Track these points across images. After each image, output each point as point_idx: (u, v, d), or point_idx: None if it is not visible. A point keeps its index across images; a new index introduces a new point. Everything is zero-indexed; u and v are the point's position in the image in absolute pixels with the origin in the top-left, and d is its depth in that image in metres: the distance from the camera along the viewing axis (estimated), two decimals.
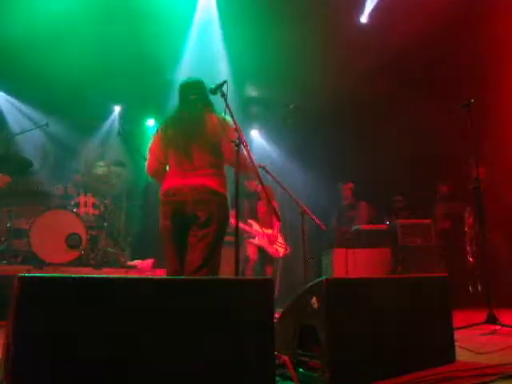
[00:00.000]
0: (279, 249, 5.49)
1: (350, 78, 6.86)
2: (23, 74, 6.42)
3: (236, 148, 2.90)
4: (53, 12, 5.51)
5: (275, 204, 3.34)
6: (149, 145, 3.15)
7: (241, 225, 5.05)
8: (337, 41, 6.29)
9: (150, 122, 8.05)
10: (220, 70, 6.08)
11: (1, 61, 6.11)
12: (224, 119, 3.01)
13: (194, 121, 3.02)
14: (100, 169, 6.15)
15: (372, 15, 6.41)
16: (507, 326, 3.58)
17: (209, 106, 3.10)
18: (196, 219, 2.87)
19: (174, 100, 6.51)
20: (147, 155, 3.16)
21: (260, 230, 5.40)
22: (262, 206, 5.59)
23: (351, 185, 6.83)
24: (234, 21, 5.85)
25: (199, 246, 2.87)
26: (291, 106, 8.09)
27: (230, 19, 5.94)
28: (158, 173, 3.12)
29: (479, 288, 5.90)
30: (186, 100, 3.12)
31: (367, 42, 6.39)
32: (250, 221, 5.40)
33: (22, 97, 7.20)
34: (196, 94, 3.10)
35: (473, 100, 4.11)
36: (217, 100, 3.06)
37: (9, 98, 7.34)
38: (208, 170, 2.94)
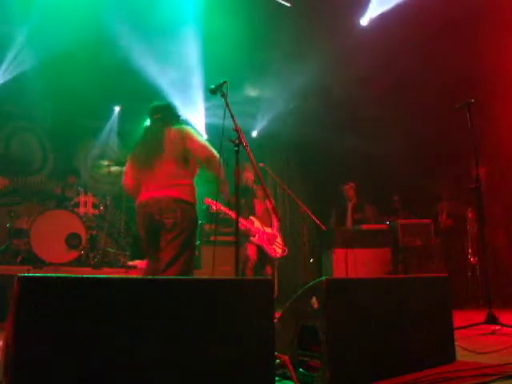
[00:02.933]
0: (277, 249, 5.48)
1: (349, 78, 6.86)
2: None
3: (236, 148, 2.95)
4: (51, 11, 5.50)
5: (272, 203, 3.37)
6: (125, 165, 3.52)
7: (242, 221, 5.04)
8: (336, 42, 6.28)
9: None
10: (219, 69, 6.07)
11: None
12: (181, 129, 3.30)
13: (154, 139, 3.33)
14: (100, 169, 6.15)
15: (373, 19, 6.40)
16: (507, 326, 3.58)
17: (171, 123, 3.38)
18: (164, 225, 3.19)
19: (173, 99, 6.47)
20: (123, 173, 3.51)
21: (261, 228, 5.40)
22: (259, 204, 5.58)
23: (353, 184, 6.82)
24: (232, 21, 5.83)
25: (168, 247, 3.19)
26: (291, 106, 8.13)
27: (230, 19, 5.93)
28: (134, 189, 3.42)
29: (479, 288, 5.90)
30: (152, 121, 3.47)
31: (366, 44, 6.38)
32: (251, 218, 5.39)
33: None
34: (159, 114, 3.43)
35: (473, 100, 4.11)
36: (217, 100, 3.10)
37: None
38: (170, 181, 3.21)
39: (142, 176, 3.32)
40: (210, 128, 7.61)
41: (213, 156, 3.22)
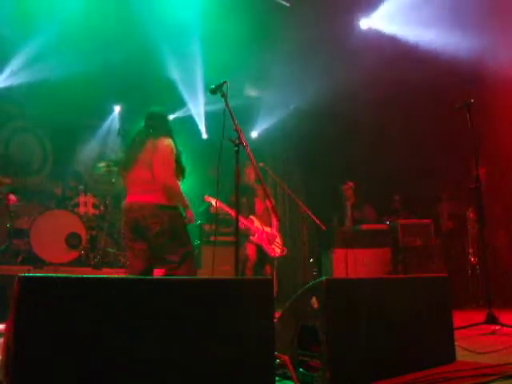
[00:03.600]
0: (276, 249, 5.48)
1: (349, 79, 6.86)
2: None
3: (236, 148, 2.95)
4: (51, 11, 5.51)
5: (272, 202, 3.38)
6: None
7: (242, 220, 5.05)
8: (337, 43, 6.29)
9: None
10: (219, 69, 6.07)
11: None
12: (159, 146, 3.32)
13: (135, 146, 3.43)
14: (100, 169, 6.15)
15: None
16: (507, 326, 3.58)
17: (156, 134, 3.41)
18: (151, 230, 3.24)
19: (173, 99, 6.45)
20: None
21: (260, 227, 5.40)
22: (259, 204, 5.58)
23: (351, 184, 6.84)
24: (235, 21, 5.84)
25: (168, 248, 3.26)
26: (291, 107, 8.13)
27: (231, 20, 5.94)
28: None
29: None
30: (146, 126, 3.52)
31: (366, 44, 6.38)
32: (251, 217, 5.39)
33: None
34: (152, 121, 3.50)
35: (473, 100, 4.11)
36: (217, 100, 3.10)
37: None
38: (149, 186, 3.26)
39: (125, 179, 3.43)
40: (209, 118, 7.60)
41: (169, 186, 3.27)
